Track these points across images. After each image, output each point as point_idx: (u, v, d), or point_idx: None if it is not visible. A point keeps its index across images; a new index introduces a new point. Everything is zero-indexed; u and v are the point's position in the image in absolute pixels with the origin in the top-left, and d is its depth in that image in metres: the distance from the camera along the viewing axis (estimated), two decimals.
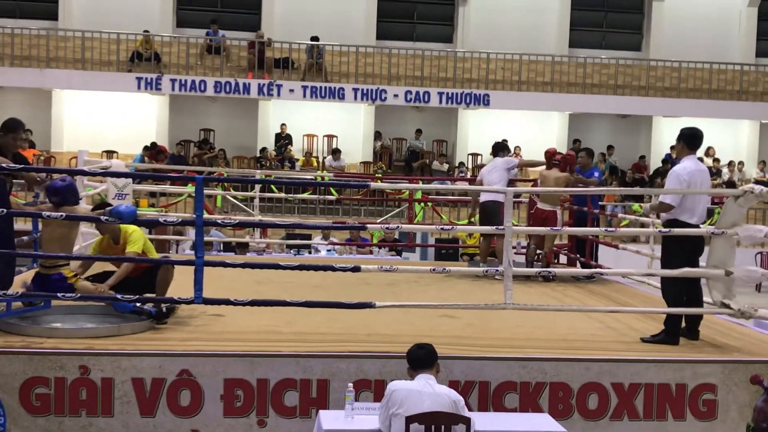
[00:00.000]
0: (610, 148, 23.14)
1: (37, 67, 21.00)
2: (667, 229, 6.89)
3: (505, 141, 11.08)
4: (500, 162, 10.53)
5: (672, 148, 21.41)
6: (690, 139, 7.03)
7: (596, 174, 11.08)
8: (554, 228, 9.07)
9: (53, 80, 21.17)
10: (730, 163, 23.19)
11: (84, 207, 8.32)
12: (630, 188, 18.97)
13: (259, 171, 17.23)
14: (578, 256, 10.89)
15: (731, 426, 6.35)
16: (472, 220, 11.27)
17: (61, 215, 6.49)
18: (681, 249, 6.86)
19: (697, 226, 6.90)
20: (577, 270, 10.15)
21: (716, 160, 22.66)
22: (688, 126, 7.26)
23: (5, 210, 6.40)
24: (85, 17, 22.36)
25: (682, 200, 6.83)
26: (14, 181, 7.44)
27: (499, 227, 7.24)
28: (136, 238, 7.05)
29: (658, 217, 7.48)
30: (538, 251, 10.43)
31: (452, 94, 22.00)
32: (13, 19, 22.12)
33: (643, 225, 10.97)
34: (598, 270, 9.41)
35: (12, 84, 21.40)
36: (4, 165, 6.60)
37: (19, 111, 21.23)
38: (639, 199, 18.88)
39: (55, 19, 22.55)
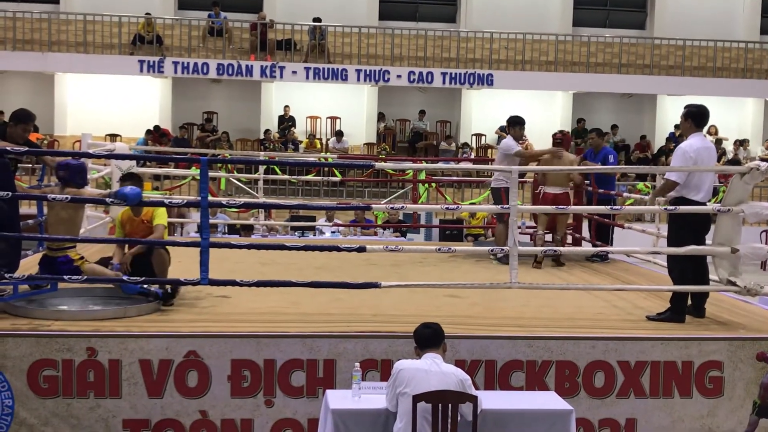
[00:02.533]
0: (614, 127, 23.09)
1: (39, 51, 20.96)
2: (672, 207, 6.87)
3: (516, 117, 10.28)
4: (502, 144, 10.09)
5: (677, 126, 21.35)
6: (697, 117, 7.00)
7: (611, 158, 10.59)
8: (560, 207, 9.01)
9: (55, 64, 21.13)
10: (735, 142, 23.12)
11: (90, 190, 8.33)
12: (636, 167, 18.94)
13: (262, 153, 17.21)
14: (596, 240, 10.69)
15: (737, 403, 6.37)
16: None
17: (66, 197, 6.50)
18: (687, 227, 6.86)
19: (703, 203, 6.90)
20: (584, 249, 10.12)
21: (719, 141, 22.55)
22: (693, 103, 7.22)
23: (10, 193, 6.40)
24: (86, 0, 22.29)
25: (689, 177, 6.81)
26: (19, 165, 7.45)
27: (504, 206, 7.22)
28: (162, 212, 7.11)
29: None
30: (546, 238, 10.22)
31: (456, 74, 21.93)
32: (14, 3, 22.03)
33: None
34: (602, 249, 9.41)
35: (14, 68, 21.38)
36: (9, 149, 6.61)
37: (21, 95, 21.32)
38: (643, 178, 18.86)
39: (56, 2, 22.49)
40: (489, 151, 22.38)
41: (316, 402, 5.93)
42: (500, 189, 9.66)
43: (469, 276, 8.79)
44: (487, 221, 15.66)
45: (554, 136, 10.43)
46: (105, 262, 7.12)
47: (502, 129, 22.85)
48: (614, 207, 9.05)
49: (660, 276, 8.81)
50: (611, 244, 10.49)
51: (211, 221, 11.62)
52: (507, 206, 7.00)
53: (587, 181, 10.98)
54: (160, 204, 7.28)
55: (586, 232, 11.29)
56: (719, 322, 6.98)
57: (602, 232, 10.62)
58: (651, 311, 7.12)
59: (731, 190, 6.88)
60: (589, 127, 22.91)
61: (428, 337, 5.31)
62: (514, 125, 10.11)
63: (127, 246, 7.15)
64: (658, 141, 23.35)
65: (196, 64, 21.10)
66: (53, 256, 6.75)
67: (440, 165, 16.36)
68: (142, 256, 7.05)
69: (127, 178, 7.18)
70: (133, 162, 10.85)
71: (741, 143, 23.08)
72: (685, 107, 7.11)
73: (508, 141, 9.96)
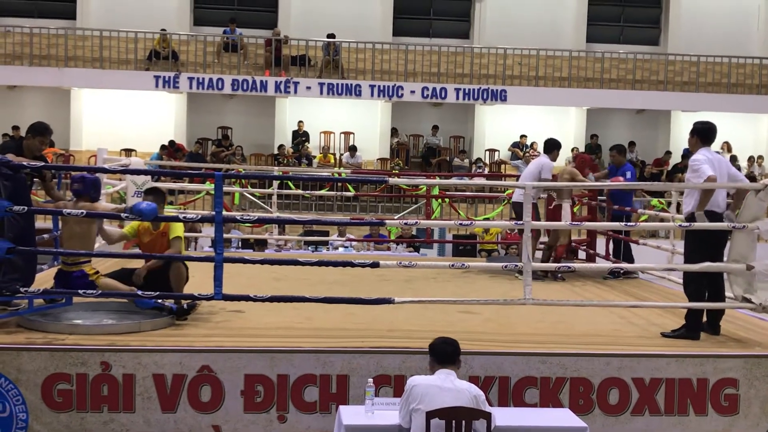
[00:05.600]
0: (631, 144, 23.03)
1: (56, 66, 21.11)
2: (687, 223, 6.84)
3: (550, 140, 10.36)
4: (536, 163, 10.09)
5: None
6: (702, 133, 7.04)
7: (628, 174, 10.48)
8: (573, 223, 9.01)
9: (72, 79, 21.28)
10: (750, 158, 23.02)
11: (104, 204, 8.38)
12: (650, 183, 18.86)
13: (276, 168, 17.26)
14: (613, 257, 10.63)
15: (753, 421, 6.32)
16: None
17: (82, 212, 6.53)
18: (705, 241, 6.81)
19: (721, 216, 6.87)
20: (598, 265, 10.08)
21: (733, 158, 22.43)
22: (700, 120, 7.25)
23: (26, 207, 6.44)
24: (102, 16, 22.47)
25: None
26: (34, 179, 7.50)
27: (518, 222, 7.22)
28: (178, 225, 7.13)
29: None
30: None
31: (469, 90, 21.95)
32: (31, 19, 22.24)
33: (662, 220, 10.89)
34: (616, 266, 9.37)
35: (31, 83, 21.53)
36: (25, 163, 6.65)
37: (37, 110, 21.46)
38: (657, 194, 18.77)
39: (73, 18, 22.67)
40: (502, 166, 22.37)
41: (329, 418, 5.93)
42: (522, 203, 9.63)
43: (482, 292, 8.77)
44: (501, 236, 15.65)
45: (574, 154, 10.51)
46: (122, 273, 7.14)
47: (515, 145, 22.88)
48: (628, 223, 9.00)
49: (675, 292, 8.77)
50: (631, 261, 10.38)
51: (225, 236, 11.61)
52: (521, 222, 6.99)
53: (601, 197, 10.97)
54: (175, 219, 7.31)
55: (600, 249, 11.27)
56: (734, 339, 6.94)
57: (620, 249, 10.52)
58: (666, 328, 7.09)
59: (746, 207, 6.85)
60: (602, 143, 22.96)
61: (448, 354, 5.28)
62: (555, 148, 10.20)
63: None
64: (673, 157, 23.25)
65: (211, 79, 21.21)
66: (68, 271, 6.79)
67: (454, 180, 16.36)
68: (160, 269, 7.07)
69: (150, 192, 7.23)
70: (149, 177, 10.90)
71: (756, 159, 22.97)
72: (693, 125, 7.16)
73: (549, 164, 10.00)
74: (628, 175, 10.53)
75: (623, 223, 9.54)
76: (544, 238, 10.64)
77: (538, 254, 10.82)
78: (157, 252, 7.08)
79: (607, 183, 10.02)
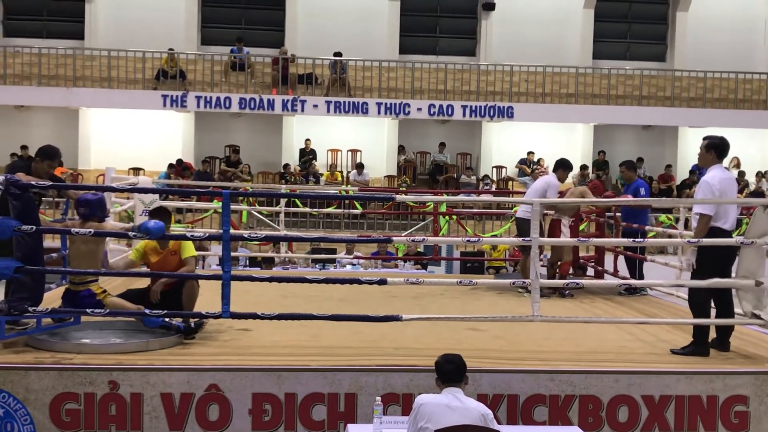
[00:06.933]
0: (639, 160, 23.01)
1: (64, 86, 21.23)
2: (696, 239, 6.82)
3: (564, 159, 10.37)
4: (543, 180, 10.06)
5: None
6: (719, 148, 7.00)
7: (642, 190, 10.47)
8: (581, 239, 8.99)
9: (80, 99, 21.40)
10: (758, 173, 22.97)
11: (111, 223, 8.39)
12: (658, 199, 18.81)
13: (283, 186, 17.29)
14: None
15: None
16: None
17: (89, 231, 6.54)
18: (714, 257, 6.78)
19: (730, 233, 6.85)
20: (606, 282, 10.04)
21: (742, 173, 22.38)
22: (713, 135, 7.21)
23: (34, 227, 6.46)
24: (110, 36, 22.62)
25: (716, 208, 6.78)
26: (42, 199, 7.52)
27: (526, 238, 7.21)
28: (190, 243, 7.14)
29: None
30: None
31: (476, 107, 21.98)
32: (40, 39, 22.40)
33: (670, 236, 10.87)
34: (625, 282, 9.34)
35: (39, 103, 21.67)
36: (33, 183, 6.68)
37: (46, 130, 21.61)
38: (666, 210, 18.74)
39: (81, 38, 22.82)
40: (510, 183, 22.37)
41: None
42: (527, 220, 9.60)
43: (490, 309, 8.75)
44: (509, 254, 15.62)
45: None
46: (129, 294, 7.14)
47: (522, 162, 22.89)
48: (636, 240, 8.97)
49: (684, 309, 8.72)
50: (641, 278, 10.31)
51: (233, 254, 11.62)
52: (528, 239, 6.98)
53: (609, 214, 10.95)
54: (183, 237, 7.31)
55: (608, 265, 11.25)
56: (744, 355, 6.90)
57: (634, 266, 10.46)
58: (675, 345, 7.05)
59: (754, 223, 6.83)
60: (609, 159, 22.95)
61: (450, 373, 5.26)
62: (561, 167, 10.16)
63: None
64: (680, 173, 23.23)
65: (218, 98, 21.29)
66: (76, 290, 6.79)
67: (461, 197, 16.37)
68: (172, 287, 7.08)
69: (156, 212, 7.24)
70: (157, 195, 10.93)
71: (763, 175, 22.93)
72: (706, 138, 7.09)
73: (556, 184, 9.96)
74: (642, 191, 10.48)
75: (631, 240, 9.50)
76: (546, 253, 10.62)
77: (542, 271, 10.83)
78: (167, 271, 7.08)
79: (618, 200, 10.00)
